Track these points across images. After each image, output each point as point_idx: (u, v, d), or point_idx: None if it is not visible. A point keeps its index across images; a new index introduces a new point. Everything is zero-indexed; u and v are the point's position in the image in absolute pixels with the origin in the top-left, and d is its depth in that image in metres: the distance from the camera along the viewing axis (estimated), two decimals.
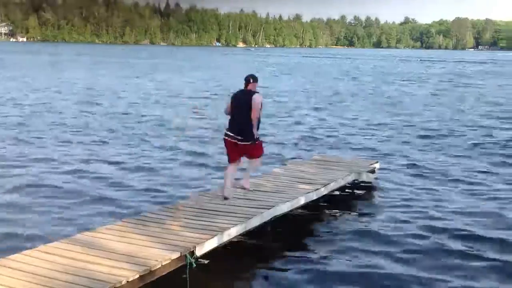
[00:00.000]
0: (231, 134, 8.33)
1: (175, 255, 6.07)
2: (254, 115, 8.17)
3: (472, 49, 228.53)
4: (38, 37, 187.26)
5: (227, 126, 8.48)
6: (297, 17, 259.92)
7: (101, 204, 9.66)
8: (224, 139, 8.45)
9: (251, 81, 8.38)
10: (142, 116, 21.17)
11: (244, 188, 8.89)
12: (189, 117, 20.77)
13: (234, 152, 8.45)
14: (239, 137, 8.27)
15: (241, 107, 8.22)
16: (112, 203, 9.71)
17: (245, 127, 8.24)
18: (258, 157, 8.74)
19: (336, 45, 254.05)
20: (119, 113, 21.76)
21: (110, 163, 12.97)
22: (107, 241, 6.42)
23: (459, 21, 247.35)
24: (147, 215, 7.61)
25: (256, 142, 8.42)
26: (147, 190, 10.67)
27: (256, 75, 8.67)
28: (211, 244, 6.58)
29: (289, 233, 8.40)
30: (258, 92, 8.37)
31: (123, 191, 10.53)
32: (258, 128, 8.38)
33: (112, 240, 6.46)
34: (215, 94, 29.95)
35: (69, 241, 6.47)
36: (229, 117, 8.47)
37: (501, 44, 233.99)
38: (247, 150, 8.43)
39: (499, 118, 22.31)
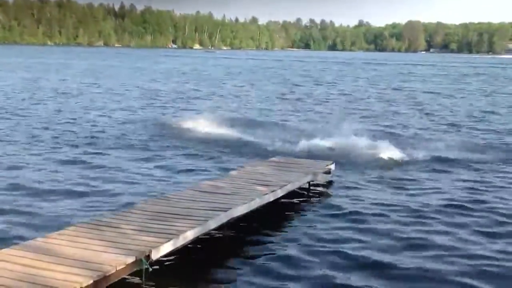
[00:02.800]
0: None
1: (130, 259, 6.00)
2: None
3: (424, 52, 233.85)
4: None
5: None
6: (254, 20, 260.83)
7: (53, 210, 9.44)
8: None
9: None
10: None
11: None
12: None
13: None
14: None
15: None
16: (64, 208, 9.51)
17: None
18: None
19: (292, 48, 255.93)
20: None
21: (57, 163, 12.74)
22: (60, 247, 6.29)
23: (411, 24, 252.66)
24: (101, 220, 7.49)
25: None
26: (100, 194, 10.49)
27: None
28: (167, 247, 6.53)
29: (246, 235, 8.41)
30: None
31: (76, 196, 10.33)
32: None
33: (65, 246, 6.33)
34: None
35: (21, 248, 6.31)
36: None
37: (452, 47, 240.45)
38: None
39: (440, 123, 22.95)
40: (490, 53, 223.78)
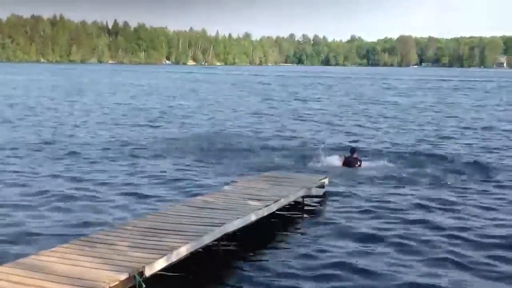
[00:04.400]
0: None
1: (124, 276, 5.95)
2: None
3: (416, 66, 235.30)
4: None
5: None
6: (247, 35, 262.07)
7: (45, 226, 9.38)
8: None
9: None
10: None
11: None
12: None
13: None
14: None
15: None
16: (57, 225, 9.45)
17: None
18: None
19: (285, 63, 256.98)
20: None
21: (47, 182, 12.68)
22: (53, 264, 6.23)
23: (403, 39, 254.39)
24: (94, 236, 7.44)
25: None
26: (93, 210, 10.43)
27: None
28: (161, 263, 6.49)
29: (240, 250, 8.38)
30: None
31: (68, 212, 10.27)
32: None
33: (58, 263, 6.27)
34: None
35: (13, 265, 6.25)
36: None
37: (443, 61, 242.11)
38: None
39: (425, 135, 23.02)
40: (482, 66, 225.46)
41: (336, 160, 15.46)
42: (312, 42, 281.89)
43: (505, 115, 31.45)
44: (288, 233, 9.35)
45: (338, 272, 7.57)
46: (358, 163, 14.70)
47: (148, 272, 6.21)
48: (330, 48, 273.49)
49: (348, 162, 14.74)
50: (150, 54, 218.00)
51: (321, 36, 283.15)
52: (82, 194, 11.65)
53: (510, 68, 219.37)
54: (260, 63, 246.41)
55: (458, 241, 8.86)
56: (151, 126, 23.98)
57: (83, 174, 13.64)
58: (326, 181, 11.61)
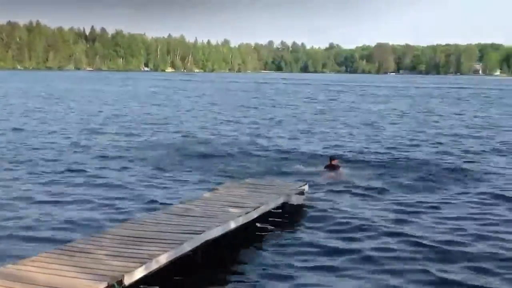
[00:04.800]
0: None
1: (103, 285, 5.91)
2: None
3: (394, 73, 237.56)
4: None
5: None
6: (225, 42, 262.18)
7: (23, 236, 9.26)
8: None
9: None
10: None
11: None
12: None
13: None
14: None
15: None
16: (35, 235, 9.34)
17: None
18: None
19: (264, 70, 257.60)
20: None
21: (26, 191, 12.52)
22: (31, 274, 6.16)
23: (381, 47, 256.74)
24: (73, 245, 7.37)
25: None
26: (71, 219, 10.33)
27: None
28: (140, 272, 6.45)
29: (220, 257, 8.37)
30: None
31: (46, 221, 10.16)
32: None
33: (36, 272, 6.21)
34: None
35: None
36: None
37: (420, 68, 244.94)
38: None
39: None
40: (458, 73, 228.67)
41: (316, 167, 15.55)
42: (290, 49, 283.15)
43: (479, 121, 31.93)
44: (268, 240, 9.36)
45: (317, 279, 7.61)
46: (338, 171, 14.79)
47: (127, 281, 6.18)
48: (308, 55, 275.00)
49: (328, 169, 14.82)
50: (128, 61, 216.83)
51: (299, 43, 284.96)
52: (61, 203, 11.54)
53: (485, 75, 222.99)
54: (239, 70, 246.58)
55: (428, 250, 8.96)
56: (128, 134, 23.78)
57: (60, 184, 13.51)
58: (306, 188, 11.66)
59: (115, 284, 6.01)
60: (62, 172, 14.94)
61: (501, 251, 8.73)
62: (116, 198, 12.01)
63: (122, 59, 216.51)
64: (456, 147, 20.77)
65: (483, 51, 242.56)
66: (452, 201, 12.06)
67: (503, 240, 9.34)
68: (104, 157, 17.46)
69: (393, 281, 7.57)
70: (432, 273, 7.75)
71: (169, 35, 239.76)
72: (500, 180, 14.41)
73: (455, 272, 7.84)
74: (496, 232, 9.83)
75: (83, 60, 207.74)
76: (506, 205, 11.74)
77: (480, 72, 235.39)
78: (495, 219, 10.72)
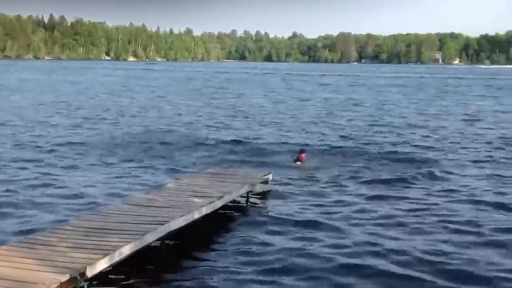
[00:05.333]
0: None
1: (65, 277, 5.82)
2: None
3: (356, 62, 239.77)
4: None
5: None
6: (188, 31, 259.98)
7: None
8: None
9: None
10: None
11: None
12: None
13: None
14: None
15: None
16: None
17: None
18: None
19: (228, 59, 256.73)
20: None
21: None
22: None
23: (343, 36, 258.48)
24: (34, 238, 7.24)
25: None
26: (32, 212, 10.14)
27: None
28: (103, 264, 6.38)
29: (184, 248, 8.34)
30: None
31: (7, 214, 9.95)
32: None
33: None
34: None
35: None
36: None
37: (382, 58, 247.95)
38: None
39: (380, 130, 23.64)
40: (418, 62, 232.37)
41: (279, 157, 15.62)
42: (254, 38, 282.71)
43: (434, 110, 32.52)
44: (232, 229, 9.38)
45: (281, 266, 7.68)
46: (304, 161, 14.84)
47: (90, 273, 6.11)
48: (272, 44, 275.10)
49: (296, 161, 14.86)
50: (89, 50, 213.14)
51: (263, 33, 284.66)
52: (19, 196, 11.30)
53: (445, 64, 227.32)
54: (202, 59, 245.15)
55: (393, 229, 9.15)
56: (87, 125, 23.37)
57: (16, 177, 13.23)
58: (270, 177, 11.70)
59: (78, 277, 5.93)
60: (14, 163, 14.63)
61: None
62: (77, 190, 11.80)
63: (83, 48, 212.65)
64: (412, 136, 21.11)
65: (442, 41, 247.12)
66: (410, 192, 12.29)
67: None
68: (59, 149, 17.04)
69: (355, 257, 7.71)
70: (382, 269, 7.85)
71: (131, 24, 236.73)
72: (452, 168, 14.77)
73: (410, 267, 7.95)
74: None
75: (42, 49, 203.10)
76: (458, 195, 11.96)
77: (440, 61, 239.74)
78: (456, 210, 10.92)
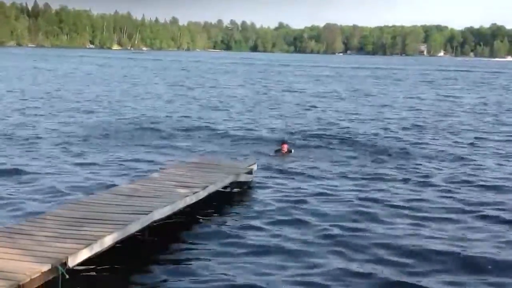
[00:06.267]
0: None
1: (46, 267, 5.76)
2: None
3: (342, 54, 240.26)
4: None
5: None
6: (174, 20, 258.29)
7: None
8: None
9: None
10: None
11: None
12: None
13: None
14: None
15: None
16: None
17: None
18: None
19: (214, 49, 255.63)
20: None
21: None
22: None
23: (329, 27, 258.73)
24: (14, 227, 7.14)
25: None
26: (11, 200, 10.02)
27: None
28: (85, 253, 6.32)
29: (167, 238, 8.30)
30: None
31: None
32: None
33: None
34: None
35: None
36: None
37: (367, 49, 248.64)
38: None
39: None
40: (403, 54, 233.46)
41: (263, 148, 15.60)
42: (240, 28, 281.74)
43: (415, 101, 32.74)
44: (216, 220, 9.34)
45: (265, 257, 7.67)
46: (287, 152, 14.84)
47: (71, 263, 6.04)
48: (258, 34, 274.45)
49: (278, 152, 14.85)
50: (73, 38, 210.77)
51: (249, 23, 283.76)
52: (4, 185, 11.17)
53: (430, 56, 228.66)
54: (188, 49, 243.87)
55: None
56: (72, 114, 23.15)
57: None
58: (254, 167, 11.68)
59: (59, 267, 5.86)
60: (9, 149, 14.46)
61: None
62: (60, 179, 11.68)
63: (67, 35, 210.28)
64: (394, 125, 21.28)
65: (428, 33, 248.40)
66: (393, 181, 12.37)
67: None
68: (42, 138, 16.86)
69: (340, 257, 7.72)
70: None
71: (116, 12, 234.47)
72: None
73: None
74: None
75: (26, 36, 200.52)
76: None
77: (425, 53, 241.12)
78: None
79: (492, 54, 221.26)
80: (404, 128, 20.76)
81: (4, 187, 10.92)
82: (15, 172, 12.20)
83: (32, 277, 5.55)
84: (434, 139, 18.40)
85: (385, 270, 7.33)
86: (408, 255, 7.84)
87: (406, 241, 8.37)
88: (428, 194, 11.17)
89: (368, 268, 7.39)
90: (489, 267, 7.50)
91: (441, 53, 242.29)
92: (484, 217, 9.71)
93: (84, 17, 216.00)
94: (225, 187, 10.60)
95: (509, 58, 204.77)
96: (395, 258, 7.73)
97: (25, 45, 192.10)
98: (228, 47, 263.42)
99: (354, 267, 7.39)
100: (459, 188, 11.66)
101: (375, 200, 10.59)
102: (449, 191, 11.39)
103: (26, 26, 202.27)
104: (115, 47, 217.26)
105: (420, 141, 17.69)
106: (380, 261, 7.65)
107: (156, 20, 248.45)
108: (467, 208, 10.23)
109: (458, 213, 9.89)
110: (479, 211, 10.05)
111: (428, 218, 9.59)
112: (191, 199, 8.96)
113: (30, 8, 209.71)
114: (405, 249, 8.04)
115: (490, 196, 11.13)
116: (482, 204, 10.53)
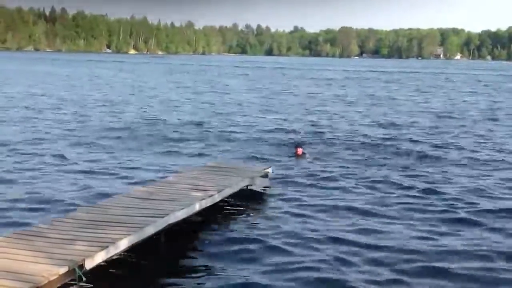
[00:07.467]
0: None
1: (63, 269, 5.81)
2: None
3: (357, 57, 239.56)
4: None
5: None
6: (190, 24, 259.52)
7: None
8: None
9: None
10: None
11: None
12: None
13: None
14: None
15: None
16: None
17: None
18: None
19: (229, 53, 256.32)
20: None
21: None
22: None
23: (344, 30, 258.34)
24: (32, 230, 7.22)
25: None
26: (31, 203, 10.13)
27: None
28: (102, 256, 6.37)
29: (183, 241, 8.33)
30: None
31: (5, 204, 9.93)
32: None
33: None
34: None
35: None
36: None
37: (383, 53, 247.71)
38: None
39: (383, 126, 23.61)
40: (419, 57, 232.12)
41: (279, 151, 15.60)
42: (255, 32, 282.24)
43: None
44: (232, 223, 9.35)
45: (280, 260, 7.65)
46: (303, 156, 14.83)
47: (88, 265, 6.09)
48: (273, 38, 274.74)
49: (294, 155, 14.84)
50: (90, 42, 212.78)
51: (264, 26, 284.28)
52: (19, 186, 11.29)
53: (446, 59, 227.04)
54: (203, 53, 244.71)
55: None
56: (91, 116, 23.38)
57: (18, 165, 13.23)
58: (270, 171, 11.67)
59: (76, 269, 5.92)
60: (12, 156, 14.62)
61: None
62: (77, 183, 11.79)
63: (84, 40, 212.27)
64: (415, 132, 21.06)
65: (444, 36, 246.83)
66: (409, 182, 12.28)
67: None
68: (61, 141, 17.05)
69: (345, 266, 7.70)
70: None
71: (132, 17, 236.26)
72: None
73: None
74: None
75: (43, 41, 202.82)
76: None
77: (441, 56, 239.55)
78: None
79: (510, 57, 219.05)
80: (428, 134, 20.54)
81: (23, 190, 11.03)
82: (29, 175, 12.34)
83: (50, 279, 5.61)
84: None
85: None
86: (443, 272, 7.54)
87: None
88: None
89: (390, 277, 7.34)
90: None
91: (458, 56, 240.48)
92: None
93: (100, 22, 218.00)
94: (240, 191, 10.61)
95: None
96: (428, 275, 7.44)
97: (43, 50, 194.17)
98: (243, 51, 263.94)
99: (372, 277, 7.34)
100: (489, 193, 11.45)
101: (398, 205, 10.47)
102: (477, 196, 11.25)
103: (43, 31, 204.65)
104: (131, 51, 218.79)
105: (451, 147, 17.33)
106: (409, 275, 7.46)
107: (172, 25, 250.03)
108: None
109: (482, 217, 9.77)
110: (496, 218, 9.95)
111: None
112: (206, 203, 8.98)
113: (47, 13, 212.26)
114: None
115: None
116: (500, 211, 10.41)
